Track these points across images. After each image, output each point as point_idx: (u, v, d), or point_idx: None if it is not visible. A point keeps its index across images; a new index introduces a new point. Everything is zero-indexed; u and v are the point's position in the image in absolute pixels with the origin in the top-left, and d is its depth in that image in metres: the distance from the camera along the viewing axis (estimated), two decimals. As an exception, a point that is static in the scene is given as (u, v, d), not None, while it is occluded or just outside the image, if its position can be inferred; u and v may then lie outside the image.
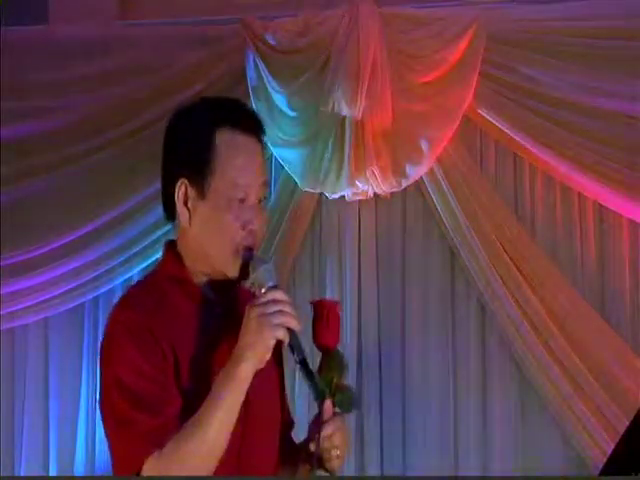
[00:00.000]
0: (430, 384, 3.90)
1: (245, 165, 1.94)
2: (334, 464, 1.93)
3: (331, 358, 1.93)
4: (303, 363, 1.83)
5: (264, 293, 1.84)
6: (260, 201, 1.96)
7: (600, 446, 3.62)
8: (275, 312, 1.81)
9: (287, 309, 1.82)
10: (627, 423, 2.69)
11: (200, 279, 1.96)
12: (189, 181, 1.94)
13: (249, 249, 1.91)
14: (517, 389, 3.86)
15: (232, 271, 1.92)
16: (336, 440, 1.91)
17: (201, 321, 1.93)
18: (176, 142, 2.00)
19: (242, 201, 1.92)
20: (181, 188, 1.95)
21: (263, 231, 1.98)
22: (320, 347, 1.94)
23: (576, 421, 3.71)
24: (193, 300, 1.95)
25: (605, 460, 2.72)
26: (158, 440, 1.79)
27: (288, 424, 2.16)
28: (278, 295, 1.83)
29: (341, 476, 1.96)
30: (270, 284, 1.86)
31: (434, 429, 3.88)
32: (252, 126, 1.98)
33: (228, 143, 1.93)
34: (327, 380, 1.90)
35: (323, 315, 1.95)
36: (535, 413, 3.83)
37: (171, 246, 2.01)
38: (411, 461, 3.88)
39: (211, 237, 1.92)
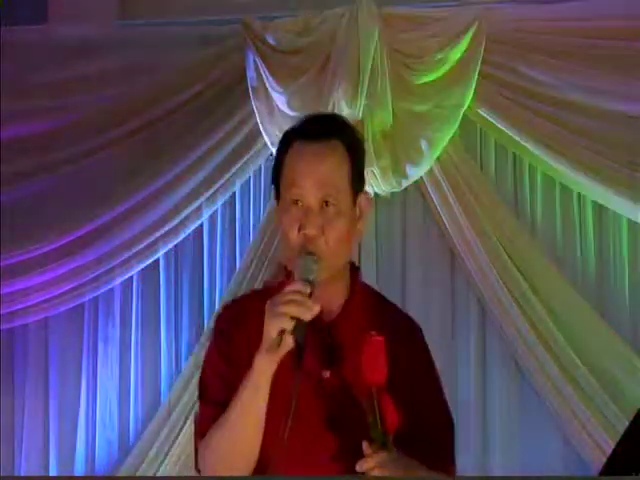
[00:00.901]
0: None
1: (302, 168, 1.96)
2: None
3: (370, 402, 1.87)
4: (298, 354, 1.82)
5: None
6: (323, 205, 1.94)
7: (600, 446, 3.62)
8: (283, 302, 1.82)
9: (297, 298, 1.82)
10: (627, 423, 2.68)
11: None
12: (275, 190, 2.03)
13: (309, 254, 1.90)
14: (517, 389, 3.86)
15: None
16: (374, 472, 1.82)
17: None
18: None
19: (296, 202, 1.94)
20: (274, 197, 2.05)
21: (331, 236, 1.93)
22: (370, 385, 1.87)
23: (576, 421, 3.71)
24: None
25: (605, 460, 2.72)
26: (205, 429, 1.93)
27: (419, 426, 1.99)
28: (294, 286, 1.84)
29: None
30: (299, 277, 1.86)
31: (434, 429, 3.88)
32: (319, 132, 1.99)
33: (296, 151, 1.98)
34: (374, 420, 1.85)
35: (370, 351, 1.87)
36: (535, 413, 3.83)
37: None
38: (411, 461, 3.88)
39: (282, 239, 2.03)
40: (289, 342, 1.81)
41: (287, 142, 2.01)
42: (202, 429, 1.94)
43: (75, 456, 4.08)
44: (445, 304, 3.94)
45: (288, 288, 1.84)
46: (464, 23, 3.81)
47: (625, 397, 3.65)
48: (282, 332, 1.81)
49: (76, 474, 4.04)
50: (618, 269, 3.84)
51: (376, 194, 3.93)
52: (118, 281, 4.12)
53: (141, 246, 4.05)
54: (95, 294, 4.12)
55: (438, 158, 3.86)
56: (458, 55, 3.81)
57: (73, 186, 4.06)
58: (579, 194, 3.88)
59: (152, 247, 4.06)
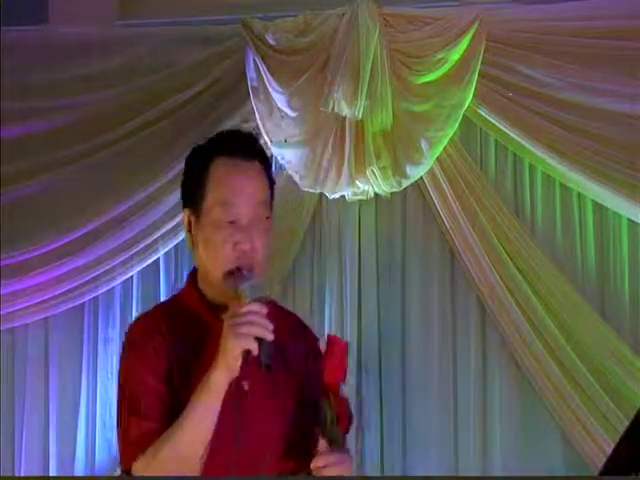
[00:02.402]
0: (430, 384, 3.90)
1: (235, 186, 2.00)
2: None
3: (329, 402, 1.94)
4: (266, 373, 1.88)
5: (243, 306, 1.90)
6: (255, 222, 1.99)
7: (600, 446, 3.62)
8: (244, 322, 1.86)
9: (256, 319, 1.86)
10: (627, 423, 2.68)
11: (210, 301, 2.05)
12: (190, 209, 2.04)
13: (238, 269, 1.96)
14: (517, 389, 3.86)
15: (225, 291, 1.98)
16: (326, 472, 1.90)
17: (201, 342, 2.00)
18: (184, 175, 2.09)
19: (232, 222, 1.98)
20: (185, 216, 2.06)
21: (263, 251, 2.00)
22: (329, 385, 1.95)
23: (576, 421, 3.71)
24: (199, 323, 2.03)
25: (605, 460, 2.72)
26: (145, 445, 1.92)
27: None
28: (252, 307, 1.88)
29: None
30: (251, 297, 1.91)
31: (434, 429, 3.88)
32: (249, 152, 2.04)
33: (222, 168, 2.01)
34: (331, 418, 1.92)
35: (335, 353, 1.96)
36: (535, 413, 3.83)
37: (192, 272, 2.11)
38: (411, 461, 3.89)
39: (208, 259, 2.01)
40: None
41: (207, 158, 2.02)
42: (143, 444, 1.93)
43: (75, 456, 4.08)
44: (445, 304, 3.94)
45: (246, 308, 1.89)
46: (464, 23, 3.82)
47: (625, 397, 3.65)
48: (246, 352, 1.85)
49: (76, 474, 4.04)
50: (618, 269, 3.83)
51: (376, 194, 3.93)
52: (118, 281, 4.12)
53: (141, 246, 4.05)
54: (95, 294, 4.12)
55: (438, 158, 3.86)
56: (458, 55, 3.81)
57: (73, 186, 4.06)
58: (579, 194, 3.87)
59: (152, 247, 4.06)
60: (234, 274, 1.96)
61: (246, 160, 2.02)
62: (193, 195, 2.02)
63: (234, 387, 1.93)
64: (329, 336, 1.99)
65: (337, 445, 1.91)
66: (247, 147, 2.05)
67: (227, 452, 1.97)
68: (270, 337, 1.86)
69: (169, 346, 1.98)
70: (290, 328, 2.11)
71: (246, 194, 1.99)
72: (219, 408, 1.89)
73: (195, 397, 1.89)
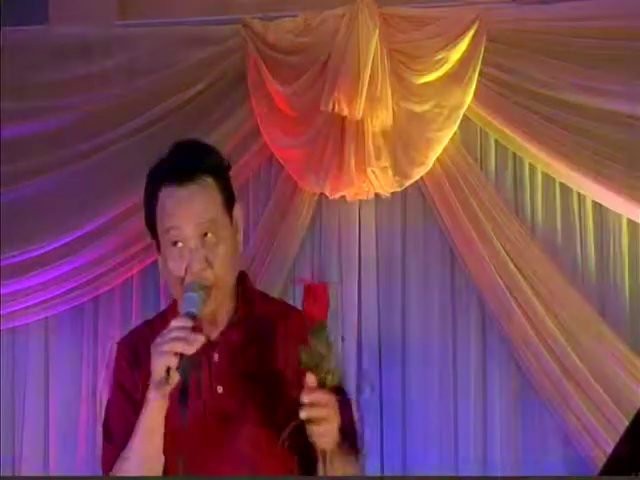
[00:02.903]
0: (430, 383, 3.90)
1: (174, 211, 2.02)
2: (316, 442, 1.91)
3: (319, 332, 1.92)
4: (182, 390, 1.87)
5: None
6: (203, 238, 2.01)
7: (600, 446, 3.62)
8: (166, 340, 1.87)
9: (178, 334, 1.87)
10: (627, 423, 2.69)
11: None
12: (151, 236, 2.13)
13: (194, 287, 1.98)
14: (517, 389, 3.86)
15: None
16: (314, 413, 1.88)
17: None
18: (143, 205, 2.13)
19: (176, 244, 2.02)
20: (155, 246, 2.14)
21: (222, 265, 2.02)
22: (310, 321, 1.95)
23: (576, 421, 3.71)
24: None
25: (605, 460, 2.72)
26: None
27: None
28: (175, 322, 1.90)
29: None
30: (183, 312, 1.93)
31: (434, 428, 3.88)
32: (191, 173, 2.05)
33: (165, 196, 2.05)
34: (316, 353, 1.89)
35: (310, 293, 1.98)
36: (535, 413, 3.83)
37: None
38: (411, 461, 3.89)
39: (169, 284, 2.08)
40: (175, 378, 1.87)
41: (154, 188, 2.07)
42: (107, 470, 2.03)
43: (75, 456, 4.08)
44: (445, 304, 3.94)
45: (171, 324, 1.91)
46: (464, 23, 3.81)
47: (625, 397, 3.65)
48: (168, 369, 1.86)
49: (76, 474, 4.04)
50: (618, 269, 3.83)
51: (376, 194, 3.93)
52: (118, 281, 4.11)
53: (141, 246, 4.04)
54: (95, 294, 4.12)
55: (438, 158, 3.86)
56: (458, 55, 3.81)
57: (73, 186, 4.05)
58: (579, 194, 3.88)
59: (152, 247, 4.04)
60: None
61: (186, 182, 2.04)
62: (149, 224, 2.08)
63: (208, 391, 1.99)
64: (305, 285, 2.02)
65: (327, 385, 1.89)
66: (188, 169, 2.06)
67: (206, 453, 1.99)
68: (190, 351, 1.86)
69: (143, 366, 2.00)
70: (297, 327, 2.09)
71: (187, 216, 2.01)
72: (161, 428, 1.92)
73: (139, 419, 1.93)
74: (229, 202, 2.09)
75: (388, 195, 3.93)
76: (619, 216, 3.83)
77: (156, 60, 4.05)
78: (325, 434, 1.90)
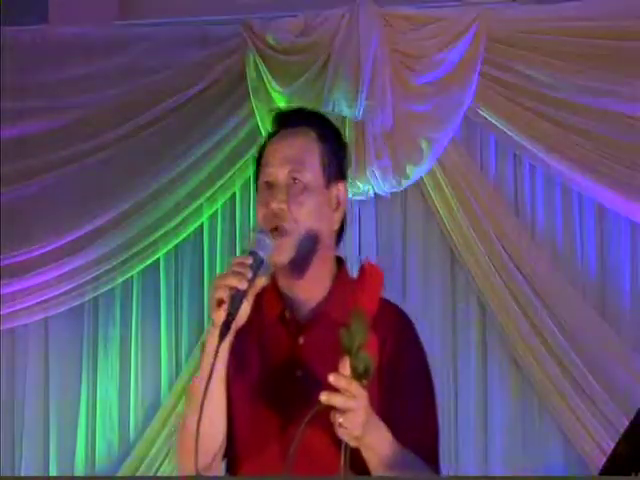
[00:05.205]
0: (430, 384, 3.89)
1: (273, 151, 2.01)
2: (338, 431, 1.77)
3: (362, 318, 1.78)
4: (226, 321, 1.81)
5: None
6: (291, 182, 1.96)
7: (600, 446, 3.62)
8: (224, 274, 1.84)
9: (235, 269, 1.83)
10: (627, 423, 2.68)
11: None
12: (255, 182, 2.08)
13: (268, 230, 1.92)
14: (517, 389, 3.86)
15: None
16: (337, 400, 1.73)
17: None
18: None
19: (268, 184, 1.98)
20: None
21: (297, 211, 1.95)
22: (355, 303, 1.79)
23: (576, 421, 3.71)
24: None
25: (605, 460, 2.72)
26: None
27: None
28: (237, 259, 1.86)
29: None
30: (249, 250, 1.87)
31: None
32: (295, 121, 2.04)
33: (269, 144, 2.03)
34: (354, 339, 1.76)
35: (366, 276, 1.82)
36: (535, 413, 3.83)
37: None
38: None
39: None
40: (225, 310, 1.80)
41: (265, 139, 2.07)
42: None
43: (75, 456, 4.08)
44: (445, 304, 3.94)
45: (233, 260, 1.87)
46: (464, 23, 3.82)
47: (625, 397, 3.65)
48: (220, 302, 1.81)
49: (76, 474, 4.04)
50: (618, 269, 3.84)
51: (376, 194, 3.93)
52: (118, 281, 4.11)
53: (141, 246, 4.05)
54: (95, 294, 4.12)
55: (438, 158, 3.86)
56: (458, 55, 3.81)
57: (73, 186, 4.06)
58: (579, 194, 3.88)
59: (152, 247, 4.06)
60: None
61: (289, 128, 2.03)
62: (256, 177, 2.05)
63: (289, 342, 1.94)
64: (363, 264, 1.83)
65: (361, 379, 1.76)
66: (294, 117, 2.06)
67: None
68: (243, 286, 1.81)
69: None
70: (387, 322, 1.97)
71: (281, 157, 1.98)
72: (221, 362, 1.84)
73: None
74: (330, 168, 2.01)
75: (388, 195, 3.93)
76: (619, 216, 3.83)
77: (156, 60, 4.05)
78: (345, 424, 1.76)
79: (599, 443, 3.64)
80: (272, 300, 1.99)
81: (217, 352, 1.82)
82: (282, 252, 1.93)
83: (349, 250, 3.98)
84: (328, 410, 1.76)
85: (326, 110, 3.75)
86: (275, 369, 1.96)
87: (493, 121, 3.86)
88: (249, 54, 3.93)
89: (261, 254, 1.87)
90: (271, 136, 2.06)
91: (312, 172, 1.98)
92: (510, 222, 3.86)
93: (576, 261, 3.86)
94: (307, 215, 1.95)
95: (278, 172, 1.97)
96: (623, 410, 3.59)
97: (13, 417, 4.14)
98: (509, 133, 3.84)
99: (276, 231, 1.92)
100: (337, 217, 2.03)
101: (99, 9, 4.18)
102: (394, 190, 3.91)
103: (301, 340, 1.98)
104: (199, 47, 4.03)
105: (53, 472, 4.08)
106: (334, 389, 1.74)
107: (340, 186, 2.04)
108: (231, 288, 1.81)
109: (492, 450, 3.84)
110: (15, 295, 4.06)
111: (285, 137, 2.02)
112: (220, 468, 1.99)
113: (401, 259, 3.99)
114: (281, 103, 3.89)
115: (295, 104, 3.86)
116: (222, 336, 1.81)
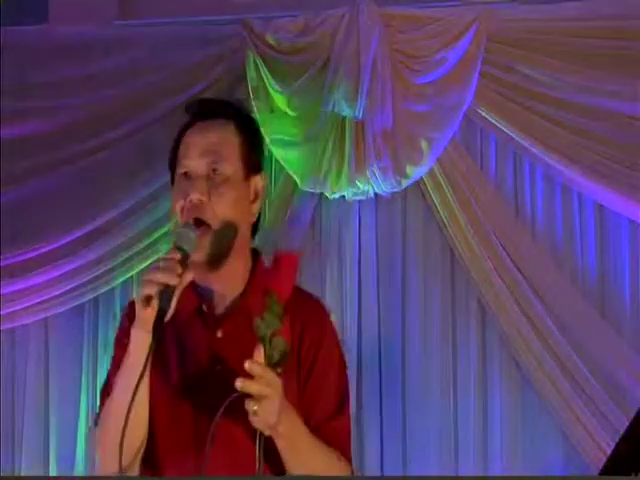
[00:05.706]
0: (430, 384, 3.90)
1: (192, 143, 2.01)
2: (252, 420, 1.77)
3: (276, 305, 1.80)
4: (158, 317, 1.79)
5: None
6: (210, 173, 1.97)
7: (600, 446, 3.62)
8: (151, 269, 1.82)
9: (163, 264, 1.81)
10: (627, 423, 2.68)
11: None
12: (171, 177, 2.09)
13: (191, 222, 1.92)
14: (517, 389, 3.86)
15: None
16: (251, 387, 1.73)
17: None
18: None
19: (186, 175, 1.98)
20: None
21: (218, 202, 1.95)
22: (268, 292, 1.82)
23: (576, 421, 3.71)
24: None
25: (605, 460, 2.72)
26: None
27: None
28: (164, 254, 1.86)
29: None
30: (175, 245, 1.86)
31: (434, 429, 3.88)
32: (210, 110, 2.05)
33: (187, 134, 2.04)
34: (268, 327, 1.77)
35: (279, 264, 1.88)
36: (535, 413, 3.83)
37: None
38: (411, 461, 3.88)
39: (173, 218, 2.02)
40: (155, 307, 1.78)
41: (182, 128, 2.06)
42: (100, 422, 1.93)
43: (75, 456, 4.08)
44: (445, 304, 3.94)
45: (160, 256, 1.86)
46: (464, 23, 3.82)
47: (625, 397, 3.65)
48: (148, 298, 1.79)
49: (76, 474, 4.04)
50: (618, 269, 3.84)
51: (376, 194, 3.93)
52: (118, 281, 4.11)
53: (141, 246, 4.05)
54: (95, 294, 4.12)
55: (438, 158, 3.86)
56: (458, 55, 3.82)
57: (73, 186, 4.05)
58: (579, 194, 3.88)
59: (152, 247, 4.06)
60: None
61: (207, 119, 2.03)
62: (171, 166, 2.06)
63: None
64: (276, 253, 1.91)
65: (275, 367, 1.77)
66: (212, 108, 2.06)
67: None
68: (172, 281, 1.79)
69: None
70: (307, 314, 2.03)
71: (199, 147, 1.98)
72: (142, 359, 1.79)
73: (125, 355, 1.86)
74: (249, 160, 2.04)
75: (388, 195, 3.93)
76: (619, 216, 3.83)
77: (156, 60, 4.05)
78: (259, 412, 1.75)
79: (599, 443, 3.64)
80: (188, 294, 1.94)
81: (150, 350, 1.79)
82: (200, 249, 1.92)
83: (349, 250, 3.99)
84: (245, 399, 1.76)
85: (326, 110, 3.76)
86: (194, 365, 1.95)
87: (493, 121, 3.86)
88: (249, 54, 3.94)
89: (186, 248, 1.86)
90: (187, 126, 2.04)
91: (232, 164, 2.00)
92: (510, 222, 3.86)
93: (576, 261, 3.86)
94: (227, 207, 1.96)
95: (198, 163, 1.97)
96: (623, 410, 3.59)
97: (13, 417, 4.14)
98: (509, 133, 3.84)
99: (196, 223, 1.92)
100: (255, 209, 2.07)
101: (99, 9, 4.18)
102: (394, 190, 3.91)
103: (219, 334, 1.97)
104: (199, 47, 4.03)
105: (53, 472, 4.08)
106: (252, 378, 1.74)
107: (258, 178, 2.07)
108: (160, 284, 1.79)
109: (492, 450, 3.84)
110: (15, 295, 4.06)
111: (204, 128, 2.01)
112: (137, 468, 1.95)
113: (401, 259, 3.99)
114: (281, 103, 3.89)
115: (295, 104, 3.88)
116: (156, 333, 1.79)
